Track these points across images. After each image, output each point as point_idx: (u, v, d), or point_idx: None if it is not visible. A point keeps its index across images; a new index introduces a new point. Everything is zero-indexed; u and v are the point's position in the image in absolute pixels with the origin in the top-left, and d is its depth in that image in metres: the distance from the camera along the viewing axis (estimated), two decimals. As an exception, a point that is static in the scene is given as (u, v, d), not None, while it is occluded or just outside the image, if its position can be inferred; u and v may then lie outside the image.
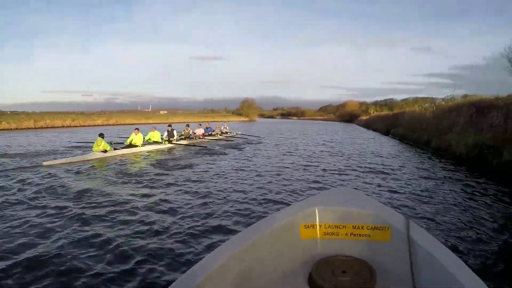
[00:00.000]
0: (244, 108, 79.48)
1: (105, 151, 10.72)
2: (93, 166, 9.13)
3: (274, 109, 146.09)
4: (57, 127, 33.16)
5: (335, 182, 7.21)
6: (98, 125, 37.75)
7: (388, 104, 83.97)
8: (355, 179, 7.60)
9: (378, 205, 2.23)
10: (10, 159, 9.99)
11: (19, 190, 6.16)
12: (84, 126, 36.49)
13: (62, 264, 3.24)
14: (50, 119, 34.06)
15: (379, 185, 6.99)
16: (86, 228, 4.22)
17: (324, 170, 8.73)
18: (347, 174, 8.14)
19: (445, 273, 1.52)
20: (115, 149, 11.34)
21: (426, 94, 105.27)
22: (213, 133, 17.99)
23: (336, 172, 8.48)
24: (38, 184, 6.62)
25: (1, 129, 28.81)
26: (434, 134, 14.94)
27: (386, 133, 27.49)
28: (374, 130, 33.82)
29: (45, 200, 5.54)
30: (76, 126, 35.42)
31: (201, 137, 16.09)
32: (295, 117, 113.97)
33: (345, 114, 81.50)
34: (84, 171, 8.26)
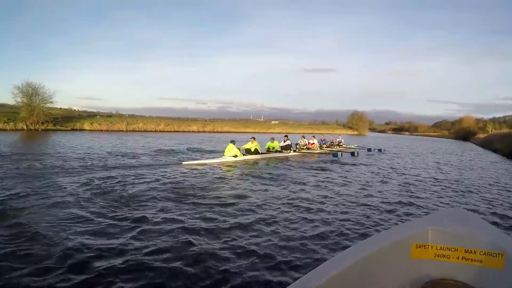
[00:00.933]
0: (354, 121, 76.69)
1: (236, 156, 12.18)
2: (226, 168, 10.76)
3: (386, 124, 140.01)
4: (149, 131, 34.21)
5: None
6: (193, 131, 38.29)
7: (507, 121, 76.48)
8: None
9: (493, 229, 2.13)
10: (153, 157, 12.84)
11: (164, 183, 7.76)
12: (178, 131, 36.83)
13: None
14: (143, 123, 36.31)
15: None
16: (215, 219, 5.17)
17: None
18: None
19: None
20: (244, 154, 12.88)
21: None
22: (328, 144, 19.19)
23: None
24: (179, 180, 8.27)
25: (92, 130, 32.20)
26: None
27: (510, 155, 23.53)
28: (494, 151, 29.22)
29: (182, 194, 6.76)
30: (169, 131, 35.89)
31: (316, 148, 17.09)
32: (407, 133, 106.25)
33: (460, 131, 72.56)
34: (218, 172, 9.85)
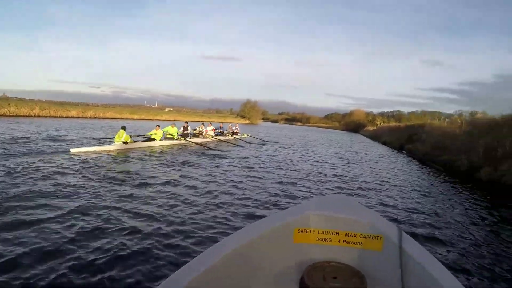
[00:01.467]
0: (246, 110, 74.88)
1: (126, 143, 11.60)
2: (115, 155, 10.18)
3: (280, 114, 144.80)
4: (22, 116, 29.82)
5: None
6: (72, 117, 34.32)
7: (395, 115, 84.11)
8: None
9: (372, 214, 2.22)
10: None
11: (50, 175, 6.70)
12: (55, 117, 32.79)
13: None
14: (16, 107, 31.10)
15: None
16: (93, 217, 4.49)
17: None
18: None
19: (434, 285, 1.48)
20: (134, 141, 12.34)
21: (433, 109, 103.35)
22: (225, 132, 19.66)
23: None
24: (66, 170, 7.30)
25: None
26: (479, 159, 10.74)
27: (399, 148, 23.66)
28: (384, 143, 30.09)
29: (70, 186, 5.99)
30: (45, 117, 31.69)
31: (213, 135, 17.45)
32: (299, 123, 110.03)
33: (350, 123, 78.02)
34: (106, 160, 9.24)
